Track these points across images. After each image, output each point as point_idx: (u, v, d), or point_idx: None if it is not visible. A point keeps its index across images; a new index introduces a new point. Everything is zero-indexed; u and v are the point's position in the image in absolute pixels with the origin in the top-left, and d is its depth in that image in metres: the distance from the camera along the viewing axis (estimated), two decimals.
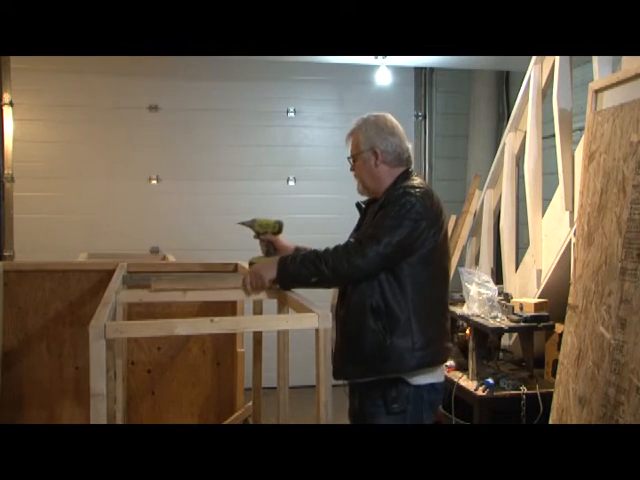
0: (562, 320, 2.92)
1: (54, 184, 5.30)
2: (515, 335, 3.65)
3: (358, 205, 2.48)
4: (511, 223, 4.05)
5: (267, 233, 2.67)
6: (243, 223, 2.76)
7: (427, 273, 2.17)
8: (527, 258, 3.76)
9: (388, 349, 2.12)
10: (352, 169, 2.36)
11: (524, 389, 3.14)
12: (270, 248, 2.65)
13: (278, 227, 2.71)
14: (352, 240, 2.19)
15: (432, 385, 2.18)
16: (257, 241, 2.60)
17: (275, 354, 2.58)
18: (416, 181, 2.24)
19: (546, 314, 3.33)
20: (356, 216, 2.47)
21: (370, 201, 2.42)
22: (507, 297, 3.65)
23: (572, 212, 3.19)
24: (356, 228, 2.44)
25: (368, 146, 2.28)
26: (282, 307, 2.46)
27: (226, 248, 4.14)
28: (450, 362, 3.54)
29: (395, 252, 2.10)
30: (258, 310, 2.93)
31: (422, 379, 2.15)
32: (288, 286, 2.22)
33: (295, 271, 2.16)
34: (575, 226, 2.98)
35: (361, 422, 2.24)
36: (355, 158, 2.32)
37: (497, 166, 4.22)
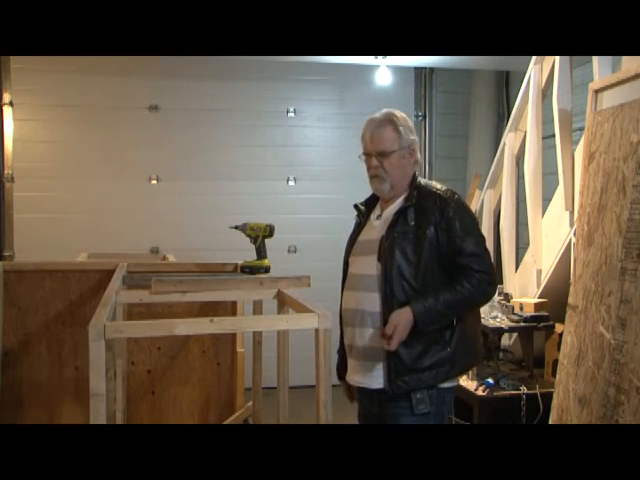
0: (562, 320, 2.92)
1: (54, 184, 5.30)
2: (515, 335, 3.65)
3: (357, 207, 2.40)
4: (511, 223, 4.05)
5: (259, 236, 2.69)
6: (235, 227, 2.77)
7: None
8: (527, 258, 3.76)
9: (445, 358, 2.13)
10: (376, 166, 2.24)
11: (524, 389, 3.14)
12: (263, 249, 2.67)
13: (269, 230, 2.73)
14: (476, 274, 2.11)
15: (452, 387, 2.21)
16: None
17: (275, 354, 2.58)
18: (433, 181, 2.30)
19: (546, 314, 3.33)
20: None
21: (369, 202, 2.36)
22: (507, 297, 3.65)
23: (572, 212, 3.18)
24: (357, 230, 2.34)
25: (406, 143, 2.24)
26: (282, 307, 2.46)
27: (226, 248, 4.13)
28: None
29: None
30: (258, 310, 2.93)
31: (443, 383, 2.16)
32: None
33: (437, 324, 2.11)
34: (575, 226, 2.98)
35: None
36: (390, 155, 2.22)
37: (497, 166, 4.22)
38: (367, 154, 2.27)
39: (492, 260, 2.27)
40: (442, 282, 2.13)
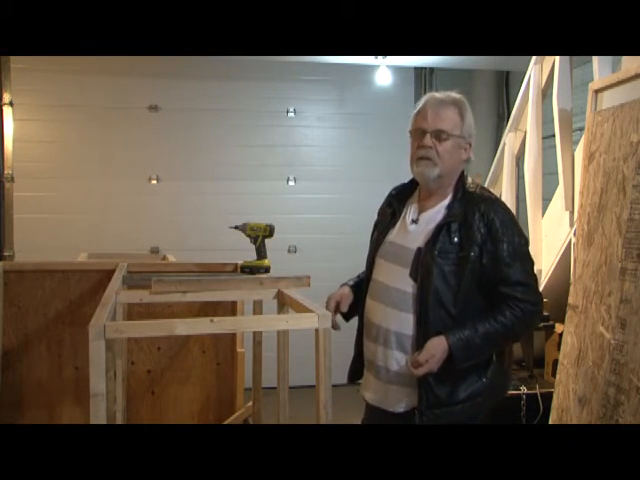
0: (562, 320, 2.92)
1: (54, 184, 5.30)
2: None
3: (392, 198, 2.14)
4: None
5: (259, 236, 2.69)
6: (235, 227, 2.78)
7: None
8: None
9: (480, 390, 1.99)
10: (430, 147, 1.98)
11: (524, 389, 3.14)
12: (263, 249, 2.67)
13: (269, 230, 2.73)
14: (521, 304, 1.92)
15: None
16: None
17: (275, 354, 2.58)
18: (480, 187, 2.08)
19: (546, 314, 3.33)
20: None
21: (401, 195, 2.13)
22: None
23: (572, 212, 3.18)
24: (387, 225, 2.11)
25: (468, 134, 2.02)
26: (282, 307, 2.46)
27: (226, 248, 4.13)
28: None
29: None
30: (258, 310, 2.93)
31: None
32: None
33: (474, 360, 1.94)
34: (575, 226, 2.98)
35: None
36: (448, 138, 1.98)
37: (497, 166, 4.22)
38: (421, 130, 2.00)
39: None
40: (481, 309, 1.95)
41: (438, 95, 2.05)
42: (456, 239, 1.94)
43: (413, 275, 1.97)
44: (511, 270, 1.92)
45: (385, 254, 2.08)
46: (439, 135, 1.98)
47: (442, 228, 1.96)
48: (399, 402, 2.03)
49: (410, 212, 2.08)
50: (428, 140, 1.98)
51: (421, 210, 2.06)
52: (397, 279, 2.01)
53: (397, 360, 2.00)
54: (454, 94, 2.05)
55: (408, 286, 1.98)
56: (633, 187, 2.47)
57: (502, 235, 1.93)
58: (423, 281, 1.94)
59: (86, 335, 1.69)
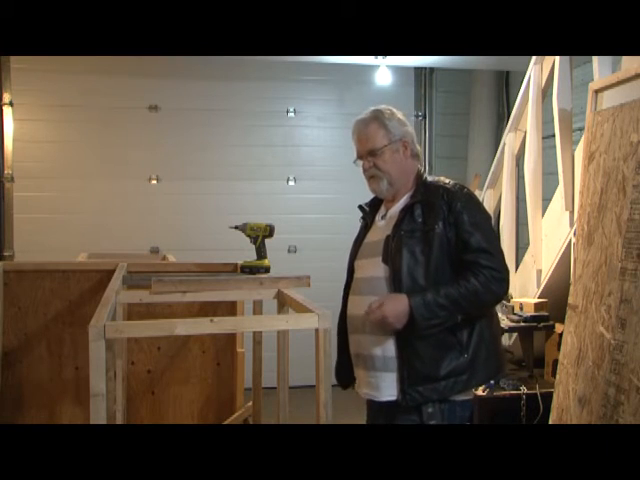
0: (562, 320, 2.92)
1: (54, 184, 5.30)
2: (515, 335, 3.65)
3: (362, 208, 2.29)
4: (511, 223, 4.05)
5: (259, 236, 2.70)
6: (235, 227, 2.78)
7: None
8: (527, 258, 3.76)
9: (463, 366, 2.00)
10: (369, 167, 2.14)
11: (524, 389, 3.14)
12: (263, 249, 2.67)
13: (269, 230, 2.73)
14: (484, 270, 1.97)
15: (466, 401, 2.09)
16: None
17: (275, 354, 2.58)
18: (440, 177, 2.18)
19: (546, 314, 3.33)
20: (358, 215, 2.30)
21: (373, 204, 2.27)
22: (507, 297, 3.65)
23: (572, 212, 3.19)
24: (363, 233, 2.24)
25: (397, 137, 2.13)
26: (282, 307, 2.46)
27: (226, 248, 4.13)
28: None
29: None
30: (258, 310, 2.93)
31: (458, 395, 2.04)
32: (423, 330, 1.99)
33: (437, 319, 1.96)
34: (575, 226, 2.98)
35: None
36: (380, 152, 2.11)
37: (497, 166, 4.22)
38: (359, 155, 2.18)
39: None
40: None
41: (361, 117, 2.19)
42: (420, 219, 2.06)
43: (385, 259, 2.07)
44: (473, 238, 2.01)
45: (361, 254, 2.21)
46: (372, 153, 2.14)
47: (406, 211, 2.09)
48: (387, 389, 2.06)
49: (379, 214, 2.24)
50: (365, 163, 2.16)
51: (388, 208, 2.21)
52: (372, 269, 2.11)
53: (380, 345, 2.05)
54: (373, 108, 2.18)
55: (382, 271, 2.08)
56: (633, 187, 2.47)
57: (462, 209, 2.03)
58: (394, 261, 2.04)
59: (86, 335, 1.69)
